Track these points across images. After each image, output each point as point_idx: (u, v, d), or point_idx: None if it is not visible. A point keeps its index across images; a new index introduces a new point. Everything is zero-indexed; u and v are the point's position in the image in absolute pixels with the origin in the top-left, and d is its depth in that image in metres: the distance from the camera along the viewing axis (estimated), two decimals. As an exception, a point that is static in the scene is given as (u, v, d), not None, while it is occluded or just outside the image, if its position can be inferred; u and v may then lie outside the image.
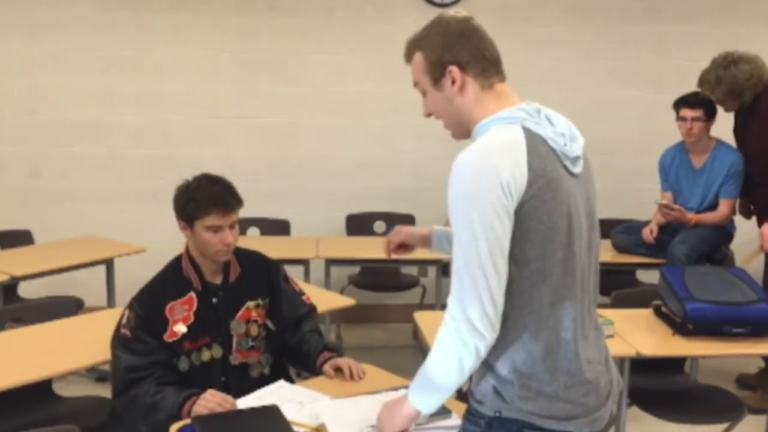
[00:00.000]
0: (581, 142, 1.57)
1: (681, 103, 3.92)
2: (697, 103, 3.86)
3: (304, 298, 2.48)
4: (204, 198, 2.21)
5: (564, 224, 1.48)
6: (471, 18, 1.60)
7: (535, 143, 1.47)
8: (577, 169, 1.54)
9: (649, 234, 4.00)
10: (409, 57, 1.63)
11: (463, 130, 1.60)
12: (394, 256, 2.02)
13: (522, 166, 1.43)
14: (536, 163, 1.45)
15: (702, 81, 3.81)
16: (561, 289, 1.50)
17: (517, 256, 1.46)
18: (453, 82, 1.55)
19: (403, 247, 2.01)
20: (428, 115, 1.64)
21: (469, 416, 1.59)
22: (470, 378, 1.60)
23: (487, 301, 1.43)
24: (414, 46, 1.61)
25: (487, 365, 1.55)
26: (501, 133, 1.49)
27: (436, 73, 1.56)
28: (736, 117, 3.89)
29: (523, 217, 1.44)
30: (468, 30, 1.56)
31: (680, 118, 3.93)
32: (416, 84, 1.63)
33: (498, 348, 1.51)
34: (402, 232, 2.00)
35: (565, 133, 1.53)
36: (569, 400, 1.51)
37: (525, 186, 1.43)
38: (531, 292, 1.48)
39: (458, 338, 1.46)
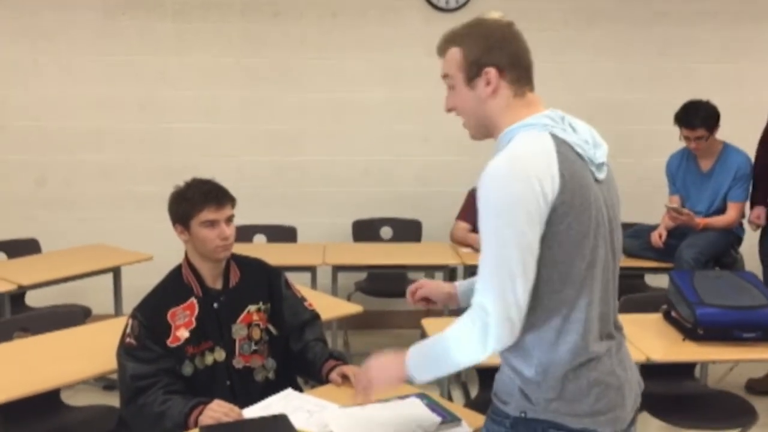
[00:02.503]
0: (605, 149, 1.59)
1: (681, 123, 3.88)
2: (697, 124, 3.82)
3: (306, 304, 2.48)
4: (196, 195, 2.24)
5: (591, 228, 1.50)
6: (513, 24, 1.61)
7: (563, 149, 1.49)
8: (602, 175, 1.57)
9: (658, 238, 3.98)
10: (443, 50, 1.63)
11: (483, 132, 1.61)
12: (416, 305, 1.98)
13: (554, 172, 1.45)
14: (567, 169, 1.47)
15: None
16: (587, 292, 1.52)
17: (546, 259, 1.48)
18: (488, 83, 1.56)
19: (426, 300, 1.97)
20: (449, 110, 1.64)
21: (493, 416, 1.61)
22: (494, 379, 1.65)
23: (513, 308, 1.45)
24: (451, 40, 1.61)
25: (512, 367, 1.57)
26: (531, 139, 1.50)
27: (472, 72, 1.57)
28: None
29: (555, 220, 1.46)
30: (510, 35, 1.59)
31: (683, 136, 3.91)
32: (445, 77, 1.62)
33: (525, 349, 1.54)
34: (426, 286, 1.96)
35: (588, 140, 1.56)
36: (595, 397, 1.53)
37: (558, 191, 1.45)
38: (559, 295, 1.50)
39: (480, 338, 1.48)
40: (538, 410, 1.53)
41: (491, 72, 1.55)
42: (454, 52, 1.60)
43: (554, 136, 1.50)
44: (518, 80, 1.57)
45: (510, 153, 1.48)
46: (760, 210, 3.89)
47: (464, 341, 1.51)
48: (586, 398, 1.53)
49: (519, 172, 1.44)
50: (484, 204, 1.47)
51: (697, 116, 3.83)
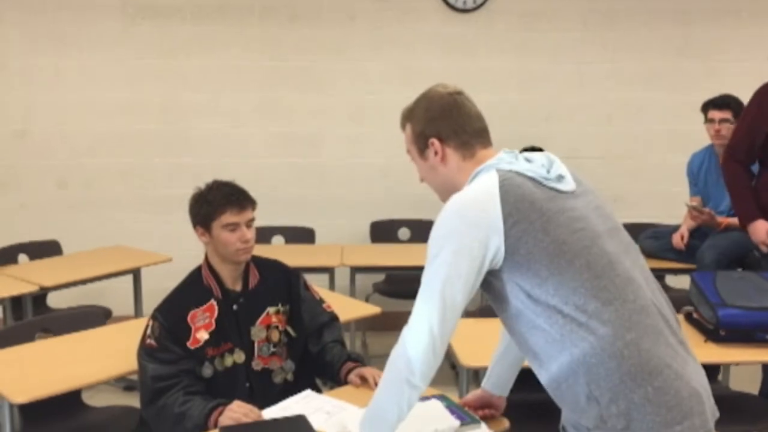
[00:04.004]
0: (558, 162, 1.64)
1: (709, 105, 3.88)
2: (725, 105, 3.81)
3: (324, 306, 2.48)
4: (217, 198, 2.25)
5: (567, 234, 1.51)
6: (457, 92, 1.71)
7: (508, 177, 1.56)
8: (566, 186, 1.60)
9: (679, 240, 3.94)
10: (403, 127, 1.76)
11: (449, 195, 1.66)
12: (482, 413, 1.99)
13: (495, 203, 1.52)
14: (511, 195, 1.53)
15: None
16: (601, 293, 1.49)
17: (533, 282, 1.50)
18: (435, 153, 1.68)
19: (484, 407, 1.99)
20: (422, 180, 1.76)
21: None
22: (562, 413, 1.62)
23: (428, 335, 1.52)
24: (405, 117, 1.75)
25: (575, 406, 1.53)
26: (477, 181, 1.59)
27: (420, 144, 1.70)
28: None
29: (517, 243, 1.51)
30: (450, 105, 1.68)
31: (708, 120, 3.88)
32: (408, 152, 1.75)
33: (575, 377, 1.50)
34: (480, 401, 1.99)
35: (543, 164, 1.62)
36: (662, 404, 1.45)
37: (501, 219, 1.51)
38: (567, 308, 1.49)
39: (398, 387, 1.56)
40: (608, 430, 1.47)
41: (435, 142, 1.67)
42: (408, 128, 1.73)
43: (499, 170, 1.58)
44: (464, 145, 1.66)
45: (459, 195, 1.58)
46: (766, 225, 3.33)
47: (391, 381, 1.58)
48: (655, 407, 1.45)
49: (456, 210, 1.54)
50: (430, 239, 1.57)
51: (728, 98, 3.83)
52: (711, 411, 1.54)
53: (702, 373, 1.58)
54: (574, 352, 1.48)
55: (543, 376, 1.58)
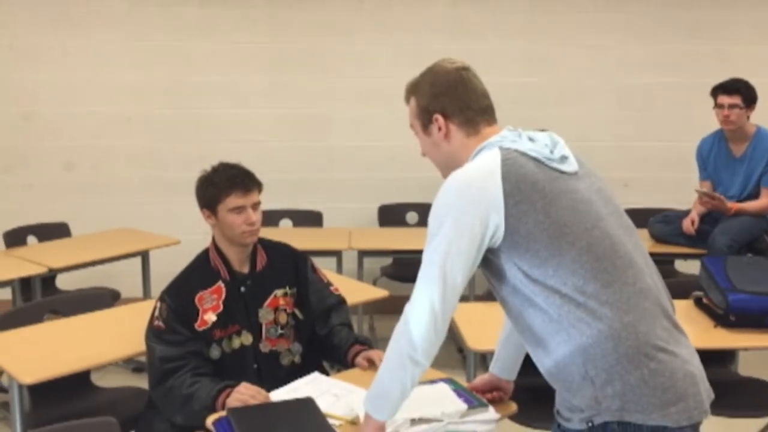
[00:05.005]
0: (562, 143, 1.63)
1: (718, 89, 3.84)
2: (735, 90, 3.77)
3: (332, 289, 2.48)
4: (223, 181, 2.24)
5: (569, 216, 1.50)
6: (464, 68, 1.68)
7: (511, 156, 1.54)
8: (569, 167, 1.59)
9: (690, 225, 3.92)
10: (407, 100, 1.73)
11: (451, 171, 1.64)
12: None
13: (496, 181, 1.51)
14: (513, 174, 1.51)
15: None
16: (601, 274, 1.49)
17: (532, 262, 1.50)
18: (439, 129, 1.66)
19: (492, 391, 1.98)
20: (423, 154, 1.74)
21: None
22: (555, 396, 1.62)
23: (429, 313, 1.52)
24: (410, 91, 1.72)
25: (559, 382, 1.54)
26: (480, 158, 1.58)
27: (425, 119, 1.68)
28: None
29: (517, 224, 1.50)
30: (456, 81, 1.65)
31: (717, 105, 3.84)
32: (411, 126, 1.72)
33: (571, 357, 1.49)
34: (487, 385, 1.98)
35: (547, 144, 1.60)
36: (657, 386, 1.46)
37: (502, 198, 1.49)
38: (566, 288, 1.49)
39: (400, 364, 1.56)
40: (602, 412, 1.47)
41: (439, 118, 1.65)
42: (412, 102, 1.70)
43: (502, 148, 1.56)
44: (468, 122, 1.64)
45: (460, 171, 1.56)
46: None
47: (394, 358, 1.57)
48: (650, 389, 1.45)
49: (456, 187, 1.53)
50: (430, 215, 1.56)
51: (738, 83, 3.79)
52: (706, 392, 1.55)
53: (696, 355, 1.58)
54: (571, 333, 1.49)
55: (539, 356, 1.58)
